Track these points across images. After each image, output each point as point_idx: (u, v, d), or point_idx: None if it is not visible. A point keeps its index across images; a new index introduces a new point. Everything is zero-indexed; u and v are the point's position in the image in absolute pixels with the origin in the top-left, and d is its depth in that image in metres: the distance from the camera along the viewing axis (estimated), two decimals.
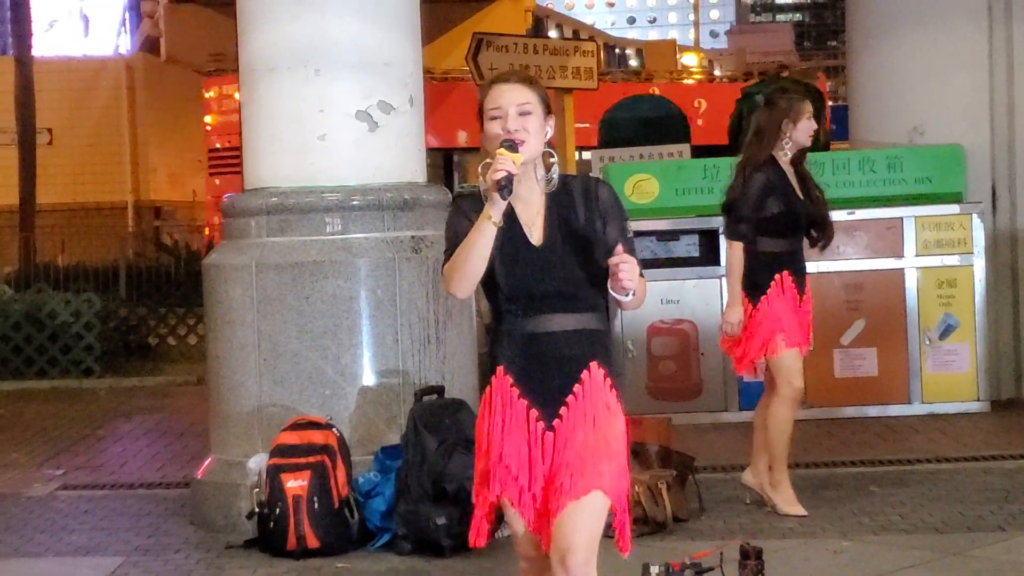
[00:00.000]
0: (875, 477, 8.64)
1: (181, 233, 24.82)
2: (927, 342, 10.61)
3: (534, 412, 4.38)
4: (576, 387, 4.38)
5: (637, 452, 7.77)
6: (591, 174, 4.87)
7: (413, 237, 7.95)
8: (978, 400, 10.63)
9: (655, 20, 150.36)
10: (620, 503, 4.41)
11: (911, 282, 10.64)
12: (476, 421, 4.51)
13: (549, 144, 4.42)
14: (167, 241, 23.66)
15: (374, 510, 7.31)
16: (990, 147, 11.12)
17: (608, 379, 4.41)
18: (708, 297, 10.55)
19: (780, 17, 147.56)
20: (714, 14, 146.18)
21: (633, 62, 60.49)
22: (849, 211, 10.54)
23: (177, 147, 29.36)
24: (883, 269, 10.67)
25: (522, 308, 4.38)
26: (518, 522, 4.46)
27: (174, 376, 14.88)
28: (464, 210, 4.40)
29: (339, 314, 7.66)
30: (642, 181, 10.96)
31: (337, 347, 7.64)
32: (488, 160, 4.30)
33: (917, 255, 10.63)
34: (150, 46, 29.23)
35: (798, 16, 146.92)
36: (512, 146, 4.26)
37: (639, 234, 10.70)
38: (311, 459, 7.19)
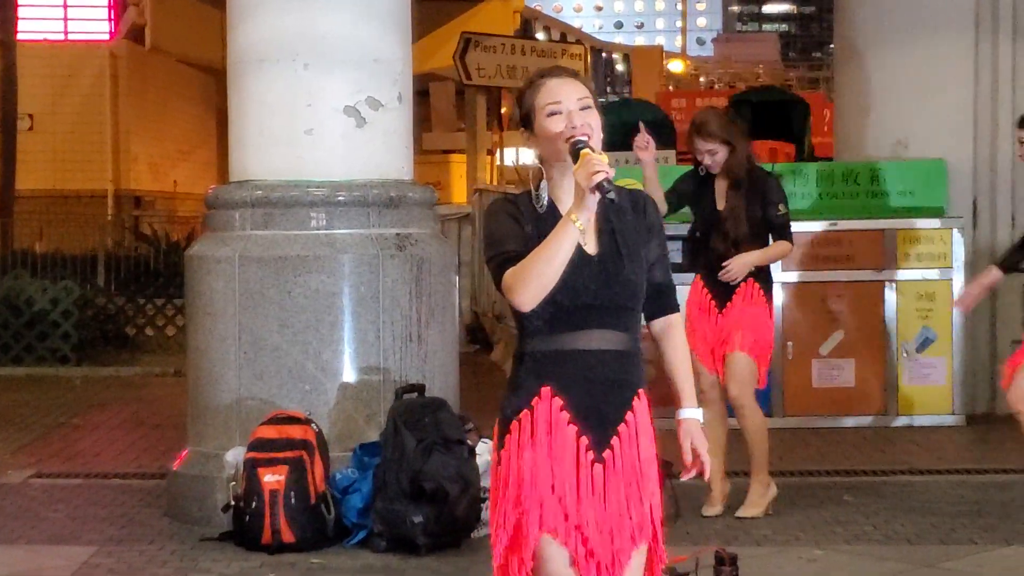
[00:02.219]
0: (849, 487, 8.67)
1: (161, 223, 24.75)
2: (905, 354, 10.66)
3: (584, 440, 3.98)
4: (629, 415, 4.04)
5: None
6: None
7: (398, 234, 7.95)
8: (953, 414, 10.67)
9: (642, 25, 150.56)
10: (659, 544, 4.12)
11: (891, 294, 10.69)
12: (501, 454, 4.03)
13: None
14: (147, 231, 23.60)
15: (351, 507, 7.32)
16: (972, 163, 11.17)
17: (650, 412, 4.11)
18: None
19: (766, 27, 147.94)
20: (701, 21, 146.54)
21: (620, 67, 60.65)
22: (831, 222, 10.59)
23: (159, 137, 29.30)
24: (863, 281, 10.70)
25: (575, 322, 3.98)
26: (558, 561, 3.98)
27: (151, 367, 14.83)
28: (512, 213, 4.01)
29: (321, 309, 7.66)
30: (628, 185, 10.95)
31: (318, 342, 7.64)
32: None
33: (898, 268, 10.67)
34: (135, 34, 29.14)
35: (784, 27, 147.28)
36: (584, 145, 3.91)
37: None
38: (289, 454, 7.18)
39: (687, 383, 4.17)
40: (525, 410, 3.99)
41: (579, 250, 3.93)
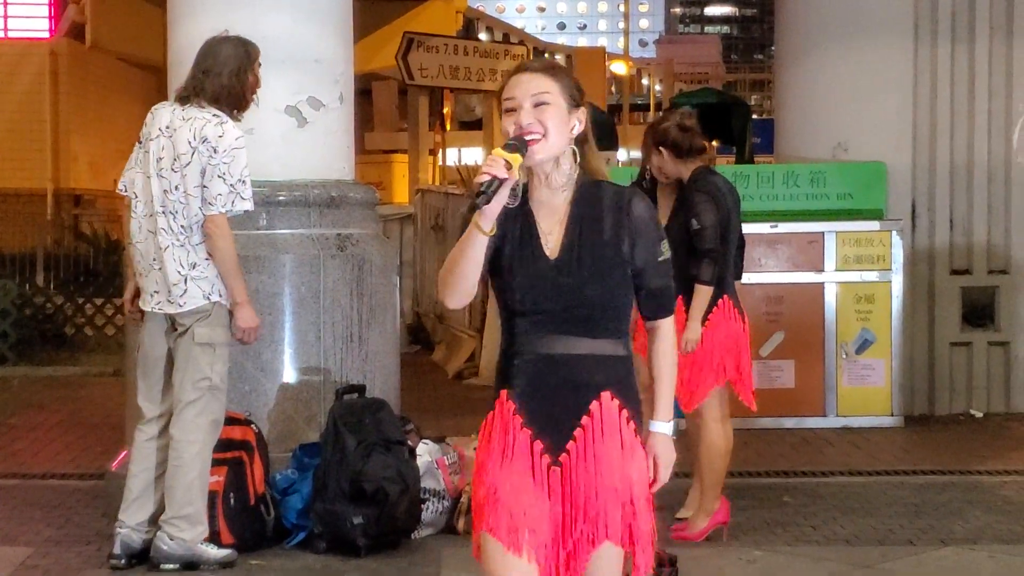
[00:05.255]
0: (789, 488, 8.71)
1: (101, 222, 24.55)
2: (844, 356, 10.72)
3: (539, 444, 3.91)
4: (585, 419, 3.91)
5: None
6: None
7: (339, 235, 7.93)
8: (892, 415, 10.75)
9: (585, 27, 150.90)
10: (642, 554, 3.98)
11: (830, 296, 10.75)
12: (476, 449, 4.05)
13: (582, 140, 3.96)
14: (86, 230, 23.41)
15: (290, 508, 7.29)
16: (912, 166, 11.26)
17: (624, 411, 3.94)
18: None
19: (708, 29, 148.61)
20: (644, 23, 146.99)
21: None
22: (772, 224, 10.64)
23: (99, 136, 29.08)
24: (803, 283, 10.76)
25: (532, 326, 3.90)
26: (496, 561, 3.90)
27: (90, 366, 14.71)
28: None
29: (261, 310, 7.61)
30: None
31: (258, 343, 7.59)
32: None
33: (837, 270, 10.74)
34: (75, 32, 28.92)
35: (726, 29, 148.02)
36: (517, 146, 3.77)
37: None
38: (228, 455, 7.14)
39: (664, 394, 4.06)
40: (490, 412, 3.98)
41: (539, 254, 3.89)
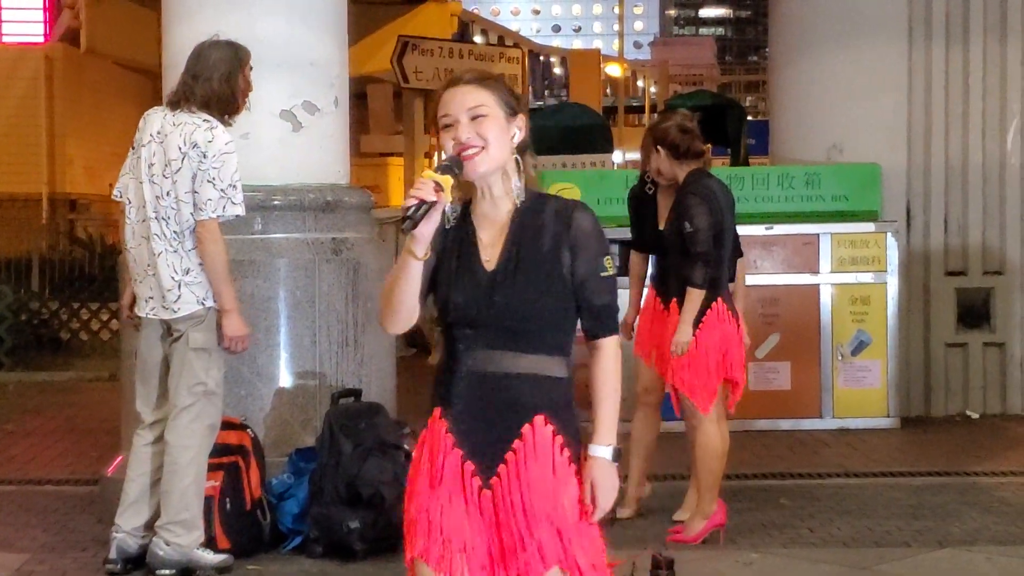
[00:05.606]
0: (785, 490, 8.71)
1: (96, 227, 24.53)
2: (840, 358, 10.73)
3: (469, 465, 3.76)
4: (516, 443, 3.74)
5: None
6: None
7: (334, 239, 7.93)
8: (888, 416, 10.75)
9: (580, 29, 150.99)
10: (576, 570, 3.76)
11: (826, 298, 10.76)
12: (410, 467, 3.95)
13: (523, 150, 3.82)
14: (82, 235, 23.39)
15: (287, 512, 7.28)
16: (906, 167, 11.27)
17: (558, 438, 3.76)
18: (627, 307, 10.57)
19: (703, 31, 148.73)
20: (638, 25, 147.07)
21: (557, 70, 60.75)
22: (767, 226, 10.65)
23: (95, 140, 29.05)
24: (798, 284, 10.77)
25: (468, 341, 3.77)
26: None
27: (85, 371, 14.71)
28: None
29: (257, 314, 7.62)
30: (564, 190, 11.00)
31: (254, 347, 7.59)
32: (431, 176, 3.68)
33: (832, 271, 10.74)
34: (70, 37, 28.90)
35: (720, 30, 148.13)
36: (450, 166, 3.67)
37: None
38: (224, 459, 7.14)
39: (605, 416, 3.83)
40: (423, 430, 3.87)
41: (476, 267, 3.77)
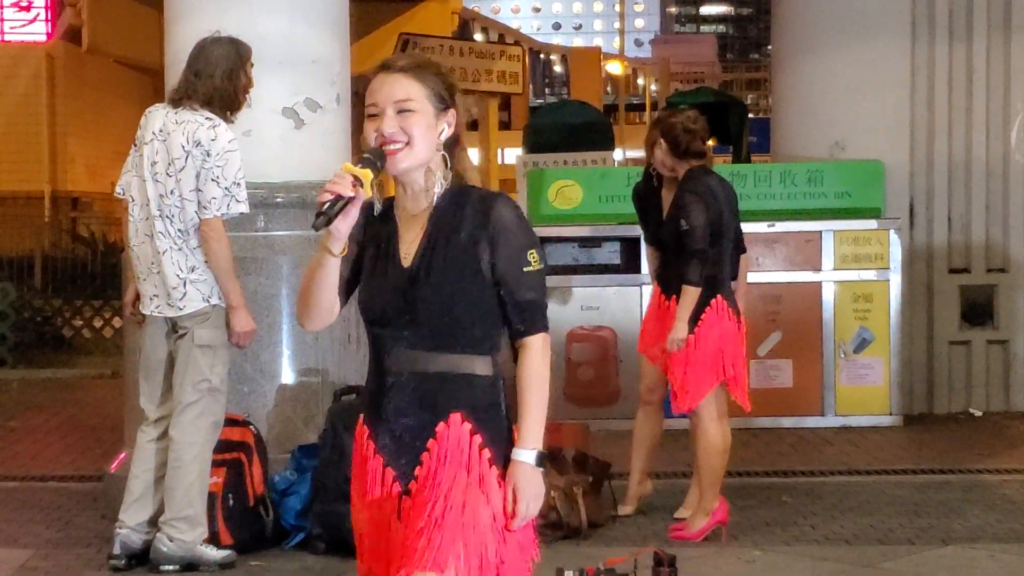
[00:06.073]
0: (788, 488, 8.71)
1: (98, 225, 24.56)
2: (842, 355, 10.72)
3: (390, 472, 3.60)
4: (431, 443, 3.57)
5: (554, 457, 7.80)
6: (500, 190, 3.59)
7: None
8: (891, 414, 10.74)
9: (580, 27, 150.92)
10: None
11: (828, 295, 10.75)
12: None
13: (452, 145, 3.63)
14: (84, 232, 23.42)
15: (289, 509, 7.29)
16: (909, 164, 11.26)
17: (476, 437, 3.57)
18: (628, 305, 10.60)
19: (704, 28, 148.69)
20: (639, 23, 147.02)
21: (558, 68, 60.77)
22: (769, 223, 10.64)
23: (96, 138, 29.08)
24: (801, 282, 10.76)
25: (387, 340, 3.60)
26: None
27: (88, 369, 14.72)
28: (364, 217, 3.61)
29: (259, 311, 7.62)
30: (566, 187, 11.00)
31: (257, 344, 7.59)
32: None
33: (835, 269, 10.73)
34: (72, 35, 28.91)
35: (721, 28, 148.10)
36: (372, 159, 3.50)
37: (560, 240, 10.78)
38: (227, 456, 7.15)
39: (529, 418, 3.59)
40: (356, 440, 3.72)
41: (394, 264, 3.61)
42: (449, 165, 3.61)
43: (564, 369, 10.70)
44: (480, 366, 3.61)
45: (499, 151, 31.76)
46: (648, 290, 8.10)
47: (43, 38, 28.68)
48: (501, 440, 3.61)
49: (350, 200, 3.43)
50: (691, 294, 7.30)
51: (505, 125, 35.90)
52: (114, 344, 15.27)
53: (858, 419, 10.68)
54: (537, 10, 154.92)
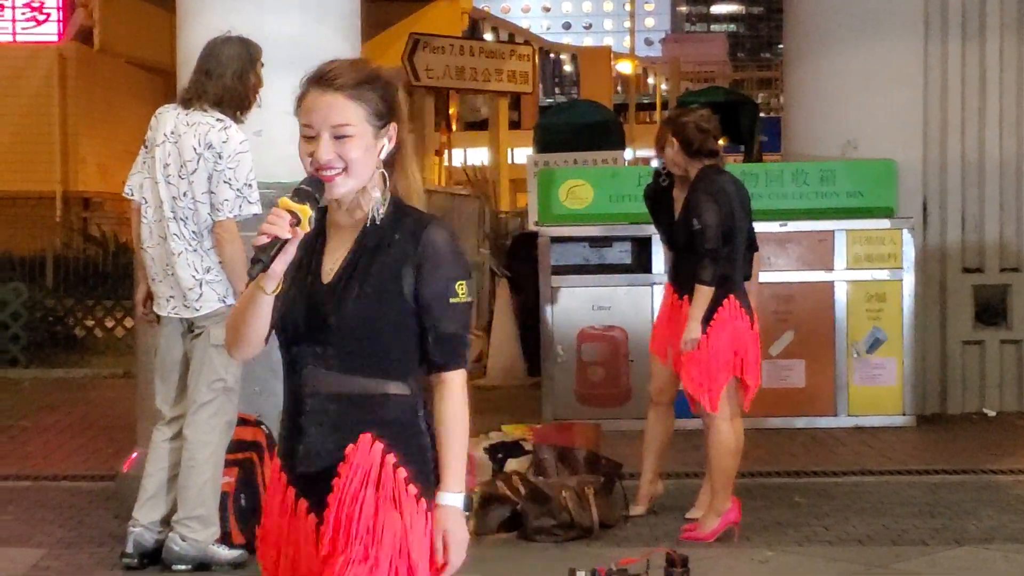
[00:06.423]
0: (800, 488, 8.69)
1: (110, 225, 24.57)
2: (855, 355, 10.70)
3: (303, 503, 3.42)
4: (341, 466, 3.36)
5: (565, 457, 7.80)
6: (435, 215, 3.46)
7: None
8: (904, 414, 10.72)
9: (591, 26, 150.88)
10: None
11: (840, 295, 10.73)
12: None
13: (392, 159, 3.45)
14: (95, 232, 23.43)
15: None
16: (922, 163, 11.23)
17: (390, 456, 3.36)
18: (639, 304, 10.59)
19: (715, 27, 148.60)
20: (649, 22, 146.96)
21: (568, 67, 60.76)
22: (781, 223, 10.62)
23: (108, 138, 29.09)
24: (813, 281, 10.74)
25: (301, 359, 3.43)
26: None
27: (100, 368, 14.73)
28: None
29: None
30: (576, 187, 10.99)
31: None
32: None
33: (847, 268, 10.72)
34: (83, 36, 28.94)
35: (732, 27, 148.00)
36: (309, 192, 3.32)
37: (571, 240, 10.78)
38: (239, 456, 7.15)
39: (452, 461, 3.40)
40: (272, 473, 3.55)
41: (315, 280, 3.42)
42: (388, 183, 3.44)
43: (575, 369, 10.69)
44: (395, 387, 3.41)
45: (509, 151, 31.72)
46: (659, 289, 8.08)
47: (55, 39, 28.69)
48: (422, 459, 3.41)
49: (286, 242, 3.26)
50: (704, 294, 7.28)
51: (515, 125, 35.87)
52: (126, 344, 15.28)
53: (871, 419, 10.66)
54: (547, 10, 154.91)
